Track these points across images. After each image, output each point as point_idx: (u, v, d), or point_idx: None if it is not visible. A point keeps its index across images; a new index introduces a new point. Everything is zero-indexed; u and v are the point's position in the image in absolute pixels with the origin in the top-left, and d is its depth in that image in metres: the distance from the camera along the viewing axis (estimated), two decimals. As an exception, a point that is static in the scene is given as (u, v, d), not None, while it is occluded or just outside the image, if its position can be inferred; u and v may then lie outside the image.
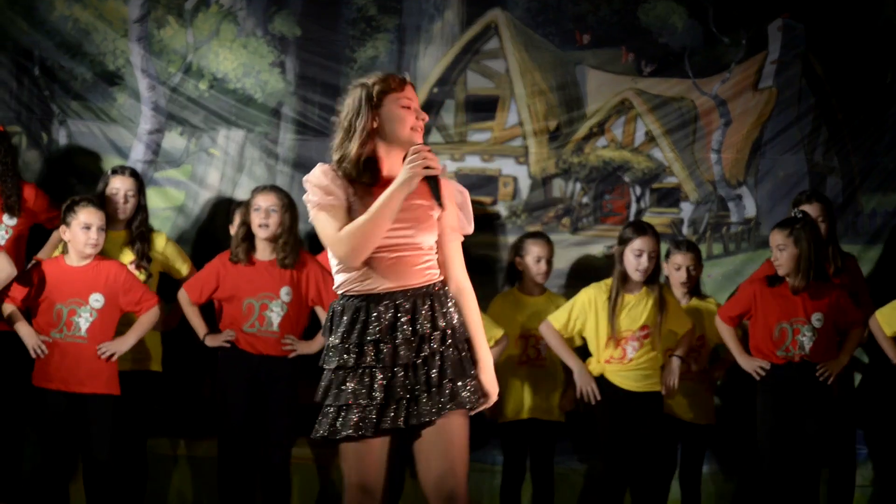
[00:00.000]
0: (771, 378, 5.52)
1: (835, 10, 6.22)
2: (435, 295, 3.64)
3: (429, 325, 3.59)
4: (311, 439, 3.66)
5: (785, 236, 5.50)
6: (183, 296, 5.61)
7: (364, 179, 3.61)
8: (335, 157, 3.64)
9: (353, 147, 3.61)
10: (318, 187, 3.57)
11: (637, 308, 5.56)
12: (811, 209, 5.77)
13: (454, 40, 6.26)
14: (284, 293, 5.57)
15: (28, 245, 5.80)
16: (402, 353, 3.58)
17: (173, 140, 6.25)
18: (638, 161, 6.31)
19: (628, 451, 5.56)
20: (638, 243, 5.53)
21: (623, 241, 5.58)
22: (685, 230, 6.30)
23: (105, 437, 5.36)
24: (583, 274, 6.10)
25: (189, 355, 5.85)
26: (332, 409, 3.59)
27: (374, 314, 3.59)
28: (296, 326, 5.61)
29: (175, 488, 6.13)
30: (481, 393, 3.66)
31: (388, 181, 3.59)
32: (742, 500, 5.99)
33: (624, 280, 5.58)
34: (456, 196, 3.73)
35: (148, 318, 5.46)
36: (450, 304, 3.67)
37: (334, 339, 3.62)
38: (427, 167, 3.53)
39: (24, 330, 5.37)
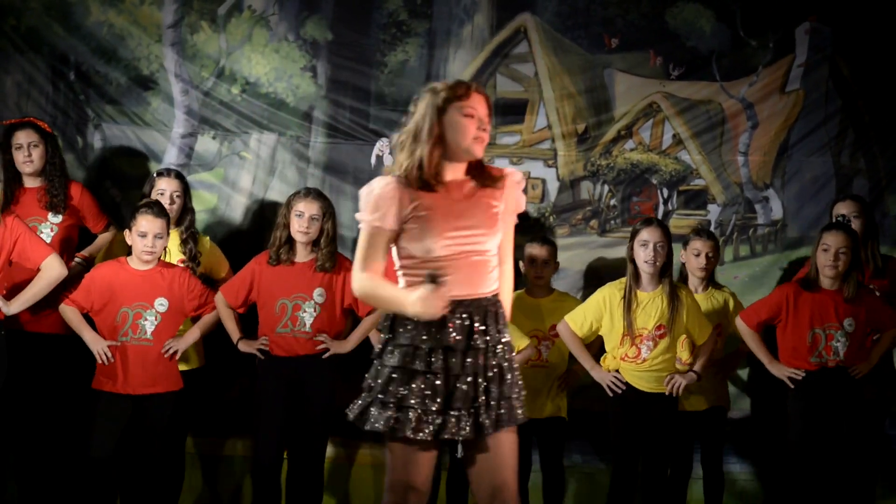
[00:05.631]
0: (804, 384, 5.52)
1: (862, 14, 6.23)
2: (496, 306, 3.68)
3: (495, 338, 3.64)
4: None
5: (851, 241, 5.49)
6: (220, 299, 5.62)
7: (430, 185, 3.63)
8: (403, 163, 3.64)
9: (422, 153, 3.62)
10: (372, 203, 3.59)
11: (651, 306, 5.56)
12: (845, 207, 5.79)
13: (484, 44, 6.31)
14: (317, 294, 5.60)
15: (79, 250, 5.87)
16: (469, 362, 3.61)
17: (206, 144, 6.31)
18: (665, 163, 6.35)
19: (640, 450, 5.58)
20: (644, 234, 5.54)
21: (632, 236, 5.61)
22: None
23: (162, 437, 5.43)
24: (610, 276, 6.08)
25: (223, 355, 5.90)
26: (391, 406, 3.60)
27: (449, 322, 3.60)
28: (329, 328, 5.62)
29: (205, 487, 6.21)
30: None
31: (451, 186, 3.65)
32: (773, 501, 6.03)
33: (637, 277, 5.58)
34: (518, 182, 3.76)
35: (212, 318, 5.56)
36: (504, 316, 3.72)
37: (400, 338, 3.63)
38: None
39: (88, 335, 5.42)
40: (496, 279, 3.71)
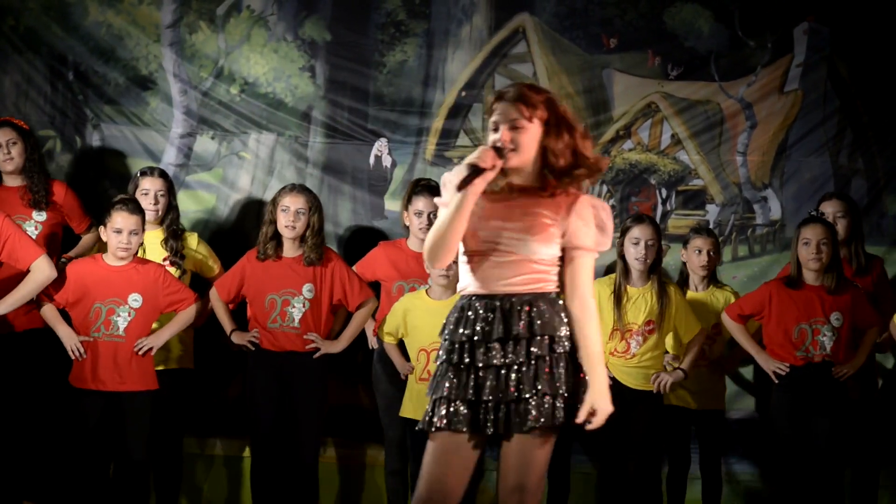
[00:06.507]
0: (789, 378, 5.51)
1: (860, 14, 6.24)
2: (540, 303, 3.62)
3: (526, 332, 3.59)
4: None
5: (830, 233, 5.50)
6: (213, 293, 5.66)
7: (492, 189, 3.67)
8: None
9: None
10: (447, 187, 3.62)
11: (641, 301, 5.57)
12: (831, 206, 5.80)
13: (482, 44, 6.31)
14: (306, 290, 5.62)
15: (63, 250, 5.85)
16: (492, 355, 3.59)
17: (205, 144, 6.32)
18: (664, 164, 6.35)
19: (628, 448, 5.58)
20: (635, 231, 5.55)
21: (623, 233, 5.60)
22: (710, 232, 6.34)
23: (142, 436, 5.40)
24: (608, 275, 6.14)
25: (219, 355, 5.92)
26: (430, 402, 3.64)
27: (472, 313, 3.62)
28: (318, 324, 5.64)
29: (204, 487, 6.21)
30: (588, 410, 3.63)
31: (515, 190, 3.65)
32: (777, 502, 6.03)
33: (627, 273, 5.60)
34: (587, 212, 3.66)
35: (186, 315, 5.52)
36: (561, 314, 3.64)
37: (444, 335, 3.69)
38: (474, 165, 3.53)
39: (62, 330, 5.39)
40: (541, 282, 3.64)
